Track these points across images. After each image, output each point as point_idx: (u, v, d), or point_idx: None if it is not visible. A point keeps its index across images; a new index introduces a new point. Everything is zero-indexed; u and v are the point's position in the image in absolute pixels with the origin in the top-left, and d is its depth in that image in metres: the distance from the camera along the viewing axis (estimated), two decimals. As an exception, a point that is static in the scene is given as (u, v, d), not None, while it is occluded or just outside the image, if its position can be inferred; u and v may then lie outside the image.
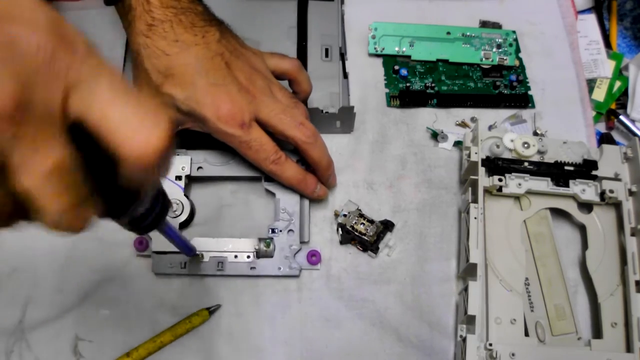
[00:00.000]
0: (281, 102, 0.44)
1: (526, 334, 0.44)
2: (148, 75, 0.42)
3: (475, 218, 0.45)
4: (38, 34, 0.19)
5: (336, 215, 0.48)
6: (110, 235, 0.48)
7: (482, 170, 0.47)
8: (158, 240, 0.45)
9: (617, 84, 0.56)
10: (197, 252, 0.45)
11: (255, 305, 0.46)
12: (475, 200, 0.46)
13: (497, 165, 0.47)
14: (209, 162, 0.48)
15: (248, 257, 0.46)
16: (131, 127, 0.20)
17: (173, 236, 0.37)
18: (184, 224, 0.48)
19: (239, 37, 0.46)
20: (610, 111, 0.55)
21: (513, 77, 0.55)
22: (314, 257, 0.47)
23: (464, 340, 0.42)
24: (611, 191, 0.46)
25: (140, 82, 0.44)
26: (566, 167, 0.48)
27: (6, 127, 0.19)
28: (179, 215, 0.46)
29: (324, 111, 0.49)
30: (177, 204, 0.46)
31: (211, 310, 0.45)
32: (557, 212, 0.49)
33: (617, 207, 0.47)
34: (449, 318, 0.46)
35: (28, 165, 0.19)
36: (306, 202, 0.48)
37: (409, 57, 0.55)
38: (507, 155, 0.48)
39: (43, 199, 0.20)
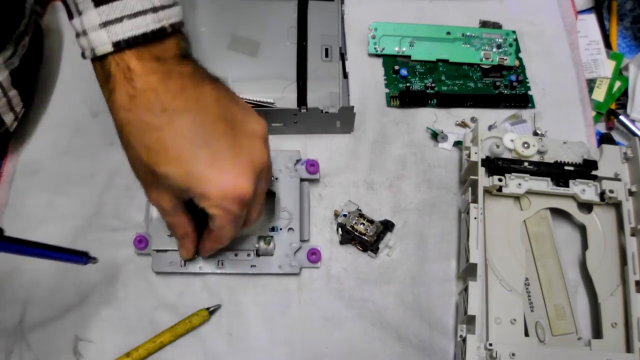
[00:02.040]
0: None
1: (526, 334, 0.44)
2: (138, 154, 0.36)
3: (475, 218, 0.45)
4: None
5: (336, 215, 0.48)
6: (110, 235, 0.48)
7: (482, 170, 0.47)
8: (158, 239, 0.45)
9: (617, 84, 0.56)
10: (93, 256, 0.41)
11: (255, 305, 0.46)
12: (475, 200, 0.46)
13: (497, 165, 0.47)
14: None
15: (248, 255, 0.46)
16: None
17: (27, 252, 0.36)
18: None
19: (236, 95, 0.40)
20: (610, 111, 0.55)
21: (513, 77, 0.55)
22: (314, 255, 0.47)
23: (464, 340, 0.42)
24: (611, 191, 0.46)
25: (132, 161, 0.37)
26: (566, 167, 0.48)
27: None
28: None
29: (324, 111, 0.49)
30: None
31: (211, 310, 0.46)
32: (557, 212, 0.49)
33: (617, 207, 0.47)
34: (449, 318, 0.46)
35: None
36: (306, 201, 0.48)
37: (409, 57, 0.55)
38: (507, 155, 0.48)
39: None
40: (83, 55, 0.36)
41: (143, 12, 0.35)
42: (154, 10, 0.35)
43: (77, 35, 0.36)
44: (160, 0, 0.36)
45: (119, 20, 0.34)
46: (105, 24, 0.34)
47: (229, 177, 0.35)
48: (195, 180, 0.35)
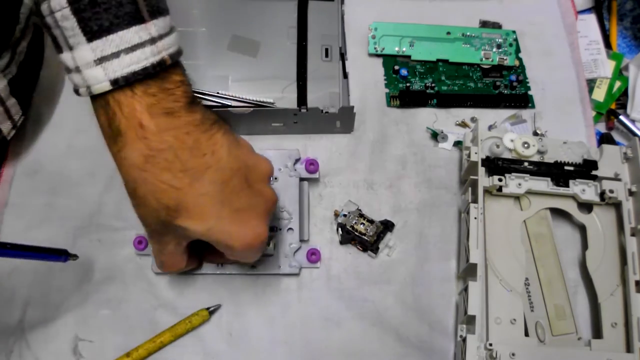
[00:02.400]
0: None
1: (526, 334, 0.44)
2: (154, 210, 0.35)
3: (475, 218, 0.45)
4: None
5: (336, 215, 0.48)
6: (110, 235, 0.48)
7: (482, 170, 0.47)
8: None
9: (617, 84, 0.56)
10: (72, 253, 0.42)
11: (255, 305, 0.46)
12: (475, 200, 0.46)
13: (497, 165, 0.47)
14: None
15: None
16: None
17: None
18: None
19: (236, 133, 0.40)
20: (610, 111, 0.55)
21: (513, 77, 0.55)
22: (313, 256, 0.47)
23: (464, 340, 0.42)
24: (611, 191, 0.46)
25: (143, 214, 0.36)
26: (566, 167, 0.48)
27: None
28: None
29: (324, 111, 0.49)
30: None
31: (211, 310, 0.46)
32: (557, 212, 0.49)
33: (617, 207, 0.47)
34: (449, 318, 0.46)
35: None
36: (306, 201, 0.48)
37: (409, 57, 0.55)
38: (507, 155, 0.48)
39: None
40: (77, 92, 0.34)
41: (141, 45, 0.32)
42: (152, 41, 0.33)
43: (68, 70, 0.33)
44: (157, 29, 0.33)
45: (116, 55, 0.32)
46: (100, 60, 0.32)
47: (250, 230, 0.36)
48: (218, 235, 0.35)
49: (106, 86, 0.32)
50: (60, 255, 0.40)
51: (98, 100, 0.34)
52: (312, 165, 0.49)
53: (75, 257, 0.42)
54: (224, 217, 0.35)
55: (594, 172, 0.48)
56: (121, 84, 0.32)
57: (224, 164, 0.35)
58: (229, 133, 0.37)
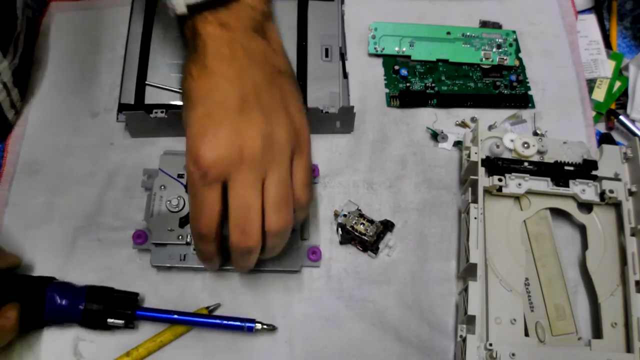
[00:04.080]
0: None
1: (526, 334, 0.44)
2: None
3: (475, 218, 0.45)
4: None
5: (336, 215, 0.48)
6: (110, 235, 0.48)
7: (482, 170, 0.47)
8: (158, 232, 0.46)
9: (617, 84, 0.56)
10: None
11: (255, 305, 0.46)
12: (475, 200, 0.46)
13: (497, 165, 0.47)
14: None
15: None
16: None
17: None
18: (185, 221, 0.48)
19: (294, 89, 0.41)
20: (610, 111, 0.55)
21: (513, 77, 0.55)
22: (314, 254, 0.47)
23: (464, 340, 0.42)
24: (611, 191, 0.46)
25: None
26: (566, 167, 0.48)
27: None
28: (181, 210, 0.46)
29: (324, 111, 0.49)
30: (179, 199, 0.47)
31: (211, 310, 0.46)
32: (557, 212, 0.49)
33: (617, 207, 0.47)
34: (449, 318, 0.46)
35: None
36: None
37: (409, 57, 0.55)
38: (507, 155, 0.48)
39: None
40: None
41: None
42: None
43: None
44: None
45: None
46: None
47: (202, 137, 0.35)
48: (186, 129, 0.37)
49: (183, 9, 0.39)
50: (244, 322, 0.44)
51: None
52: (312, 171, 0.49)
53: (271, 326, 0.45)
54: (196, 113, 0.37)
55: (594, 172, 0.48)
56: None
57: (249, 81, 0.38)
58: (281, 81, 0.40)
